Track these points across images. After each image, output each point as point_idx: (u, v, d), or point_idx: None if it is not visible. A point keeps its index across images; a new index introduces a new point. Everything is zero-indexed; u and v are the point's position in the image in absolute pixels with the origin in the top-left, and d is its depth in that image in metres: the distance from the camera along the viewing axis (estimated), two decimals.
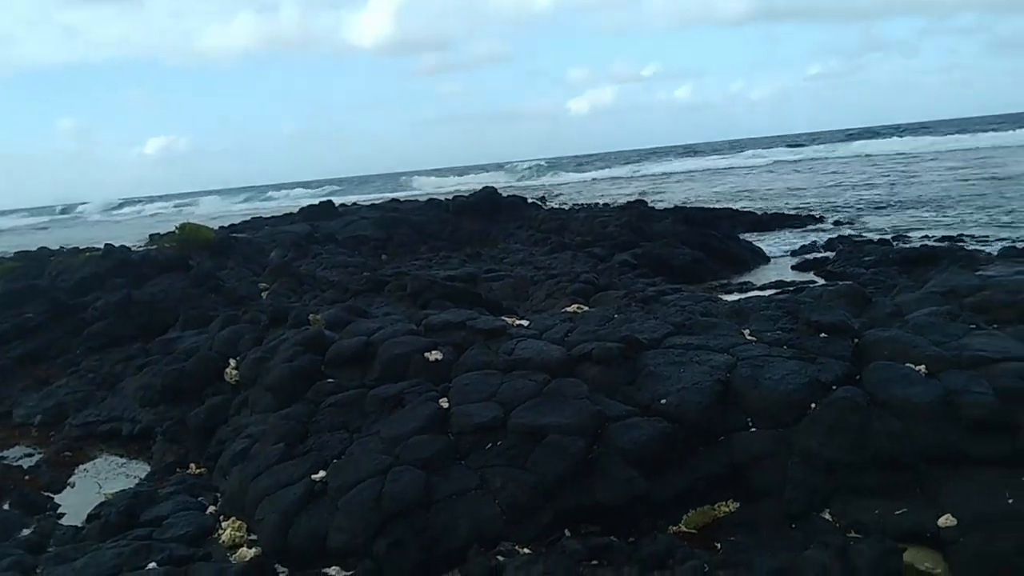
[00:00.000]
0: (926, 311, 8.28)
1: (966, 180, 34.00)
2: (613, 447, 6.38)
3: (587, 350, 7.60)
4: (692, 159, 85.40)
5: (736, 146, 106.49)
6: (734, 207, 30.39)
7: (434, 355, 8.09)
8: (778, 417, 6.56)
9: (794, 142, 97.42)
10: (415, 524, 5.90)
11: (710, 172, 65.29)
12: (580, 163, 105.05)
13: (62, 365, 12.78)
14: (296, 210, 33.28)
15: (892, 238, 20.58)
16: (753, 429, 6.59)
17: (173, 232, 21.16)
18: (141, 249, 19.96)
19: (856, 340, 7.59)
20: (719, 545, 5.78)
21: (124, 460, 9.45)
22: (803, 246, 20.87)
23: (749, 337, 7.99)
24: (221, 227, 28.70)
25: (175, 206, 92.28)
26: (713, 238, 20.31)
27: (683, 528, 6.07)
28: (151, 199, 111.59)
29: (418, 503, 6.02)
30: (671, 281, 16.23)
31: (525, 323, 9.11)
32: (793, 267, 18.49)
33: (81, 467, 9.28)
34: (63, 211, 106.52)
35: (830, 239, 21.14)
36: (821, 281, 15.67)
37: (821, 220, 26.38)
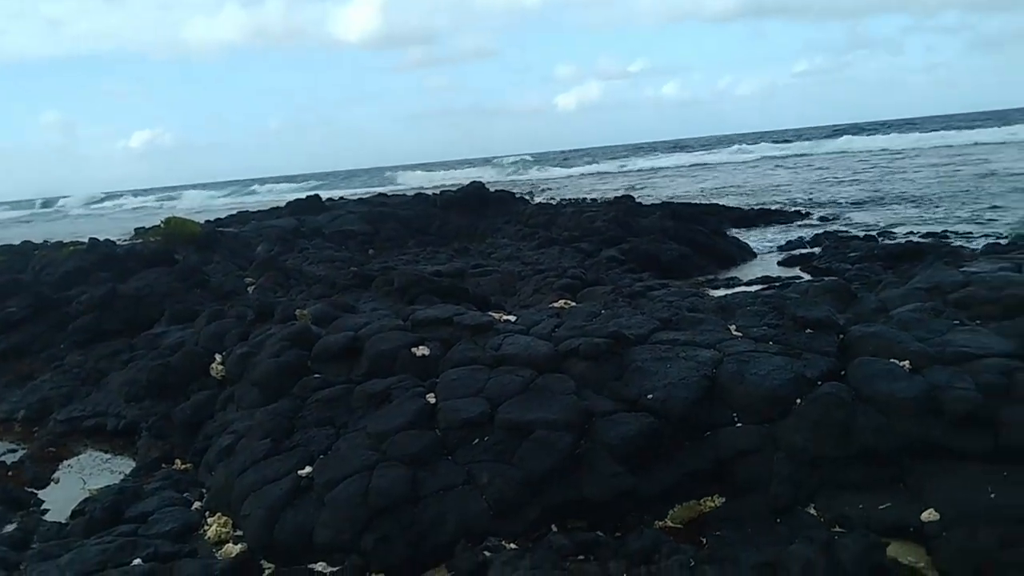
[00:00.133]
0: (910, 307, 8.33)
1: (950, 176, 34.22)
2: (600, 442, 6.40)
3: (574, 346, 7.61)
4: (679, 155, 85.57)
5: (723, 142, 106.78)
6: (721, 202, 30.48)
7: (421, 351, 8.09)
8: (764, 412, 6.60)
9: (781, 138, 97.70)
10: (402, 520, 5.90)
11: (697, 167, 65.41)
12: (567, 158, 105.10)
13: (46, 360, 12.68)
14: (282, 204, 33.13)
15: (877, 234, 20.68)
16: (739, 424, 6.63)
17: (158, 226, 21.02)
18: (126, 243, 19.84)
19: (841, 336, 7.64)
20: (705, 540, 5.82)
21: (109, 456, 9.39)
22: (789, 242, 20.95)
23: (735, 333, 8.03)
24: (207, 221, 28.56)
25: (157, 199, 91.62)
26: (700, 234, 20.35)
27: (669, 523, 6.11)
28: (135, 192, 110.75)
29: (405, 499, 6.02)
30: (658, 276, 16.25)
31: (512, 319, 9.12)
32: (779, 262, 18.55)
33: (65, 463, 9.22)
34: (44, 204, 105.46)
35: (816, 235, 21.23)
36: (807, 277, 15.75)
37: (807, 216, 26.48)
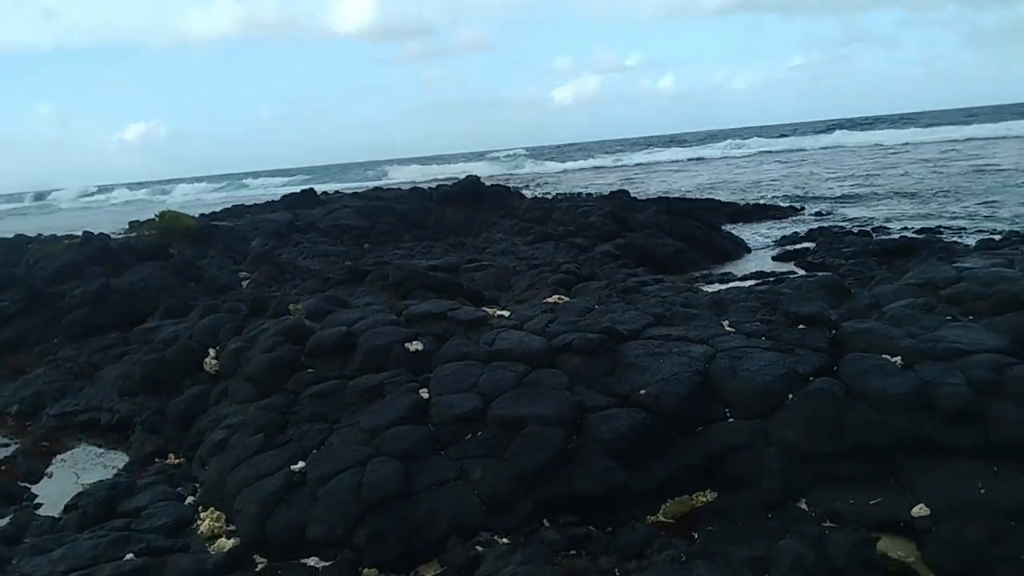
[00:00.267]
0: (903, 303, 8.36)
1: (945, 172, 34.26)
2: (592, 438, 6.42)
3: (567, 341, 7.63)
4: (675, 149, 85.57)
5: (718, 136, 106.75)
6: (716, 197, 30.49)
7: (414, 346, 8.09)
8: (755, 408, 6.62)
9: (776, 132, 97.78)
10: (394, 515, 5.91)
11: (693, 162, 65.46)
12: (563, 152, 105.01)
13: (39, 354, 12.65)
14: (276, 198, 33.06)
15: (872, 229, 20.71)
16: (731, 420, 6.65)
17: (153, 220, 20.96)
18: (120, 237, 19.78)
19: (833, 332, 7.67)
20: (696, 535, 5.84)
21: (102, 450, 9.37)
22: (784, 237, 20.97)
23: (728, 328, 8.05)
24: (202, 215, 28.47)
25: (150, 193, 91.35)
26: (696, 228, 20.36)
27: (661, 518, 6.12)
28: (129, 186, 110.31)
29: (397, 494, 6.03)
30: (653, 271, 16.28)
31: (506, 314, 9.13)
32: (774, 258, 18.57)
33: (59, 457, 9.20)
34: (36, 198, 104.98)
35: (811, 230, 21.26)
36: (801, 272, 15.76)
37: (802, 211, 26.50)
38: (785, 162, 53.27)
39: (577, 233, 20.40)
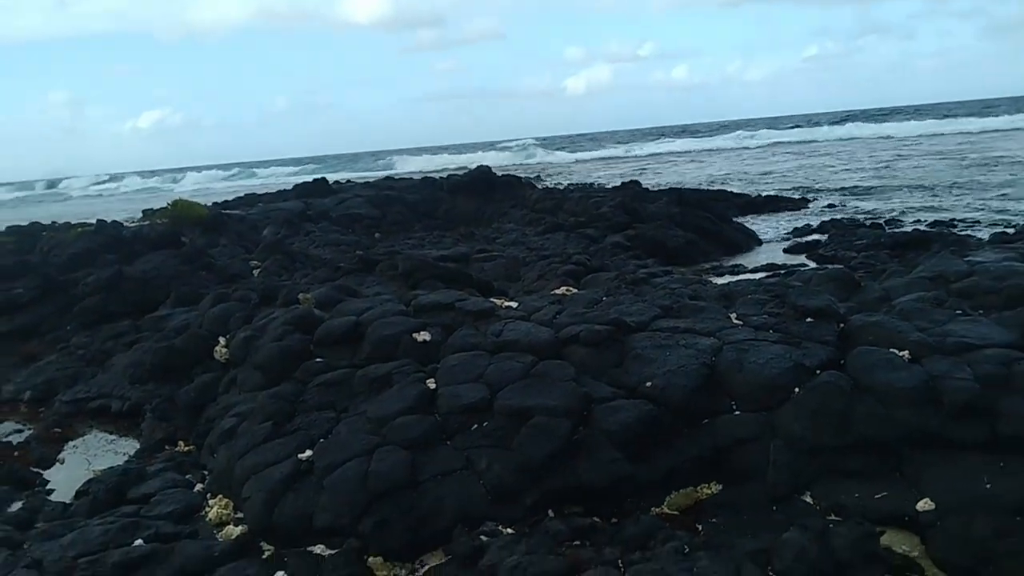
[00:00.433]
0: (913, 296, 8.33)
1: (960, 164, 34.00)
2: (598, 429, 6.43)
3: (575, 332, 7.64)
4: (687, 139, 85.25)
5: (731, 127, 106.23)
6: (728, 188, 30.37)
7: (423, 336, 8.12)
8: (762, 401, 6.62)
9: (789, 123, 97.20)
10: (401, 504, 5.95)
11: (705, 152, 65.19)
12: (574, 142, 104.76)
13: (52, 341, 12.77)
14: (287, 187, 33.13)
15: (884, 222, 20.59)
16: (737, 412, 6.65)
17: (166, 208, 21.08)
18: (133, 225, 19.89)
19: (841, 325, 7.64)
20: (701, 527, 5.85)
21: (113, 437, 9.47)
22: (796, 229, 20.87)
23: (736, 321, 8.04)
24: (214, 203, 28.60)
25: (160, 181, 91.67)
26: (707, 220, 20.29)
27: (666, 510, 6.13)
28: (141, 174, 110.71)
29: (404, 483, 6.06)
30: (664, 263, 16.26)
31: (514, 305, 9.14)
32: (785, 250, 18.50)
33: (70, 443, 9.30)
34: (48, 186, 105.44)
35: (823, 222, 21.13)
36: (812, 264, 15.71)
37: (814, 203, 26.38)
38: (798, 154, 52.98)
39: (588, 224, 20.36)
